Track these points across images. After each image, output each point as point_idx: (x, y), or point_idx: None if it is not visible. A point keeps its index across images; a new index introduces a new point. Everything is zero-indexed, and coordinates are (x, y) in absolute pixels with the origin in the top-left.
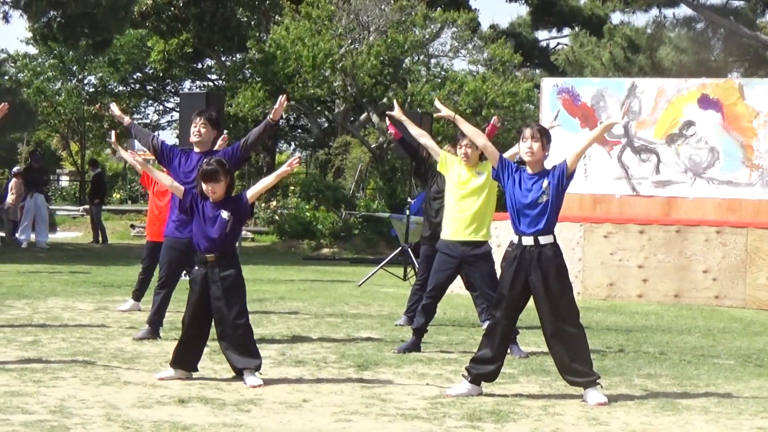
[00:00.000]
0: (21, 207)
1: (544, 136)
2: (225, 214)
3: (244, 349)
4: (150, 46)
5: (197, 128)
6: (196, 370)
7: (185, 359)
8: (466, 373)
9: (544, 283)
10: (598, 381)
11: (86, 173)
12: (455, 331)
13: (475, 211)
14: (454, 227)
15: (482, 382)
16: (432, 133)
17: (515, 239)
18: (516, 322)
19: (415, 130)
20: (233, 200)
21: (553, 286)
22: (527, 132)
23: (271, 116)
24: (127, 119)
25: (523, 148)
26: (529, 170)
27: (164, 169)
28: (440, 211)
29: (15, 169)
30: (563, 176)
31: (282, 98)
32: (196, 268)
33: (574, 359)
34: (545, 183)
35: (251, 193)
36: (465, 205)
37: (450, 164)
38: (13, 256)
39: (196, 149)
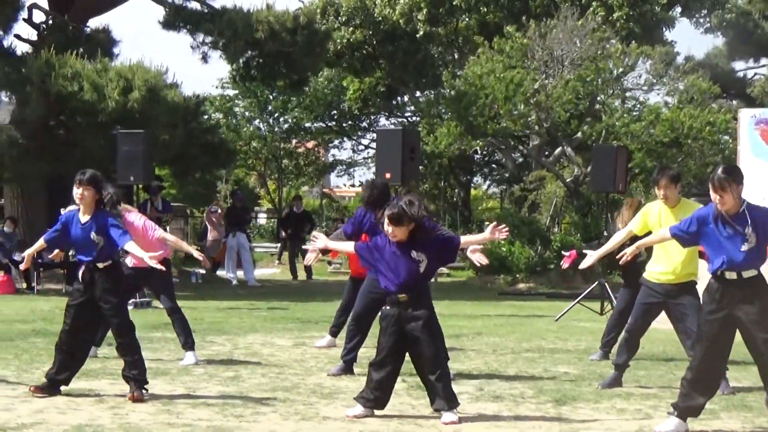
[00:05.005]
0: (222, 244)
1: (733, 181)
2: (414, 254)
3: (441, 387)
4: (345, 85)
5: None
6: (384, 407)
7: (379, 397)
8: (671, 409)
9: (747, 317)
10: None
11: (289, 209)
12: (654, 366)
13: (681, 258)
14: (660, 268)
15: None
16: (629, 168)
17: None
18: (724, 357)
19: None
20: (431, 242)
21: (759, 320)
22: (715, 182)
23: None
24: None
25: (715, 199)
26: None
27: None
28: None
29: (212, 207)
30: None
31: None
32: (388, 307)
33: None
34: (748, 231)
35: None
36: (670, 249)
37: (652, 216)
38: (213, 292)
39: None
